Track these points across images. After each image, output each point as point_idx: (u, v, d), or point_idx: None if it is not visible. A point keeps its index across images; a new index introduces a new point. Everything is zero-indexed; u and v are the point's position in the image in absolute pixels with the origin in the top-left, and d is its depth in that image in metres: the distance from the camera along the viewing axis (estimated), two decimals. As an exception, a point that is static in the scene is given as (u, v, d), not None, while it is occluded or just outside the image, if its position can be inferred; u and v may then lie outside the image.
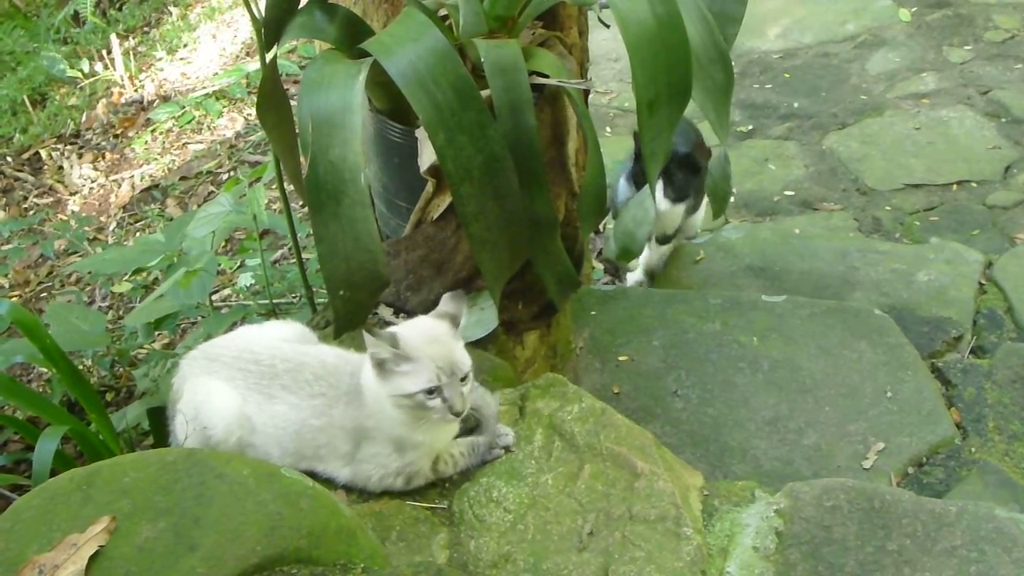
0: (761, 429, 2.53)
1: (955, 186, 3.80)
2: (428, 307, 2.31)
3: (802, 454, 2.48)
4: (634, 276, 3.27)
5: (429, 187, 2.19)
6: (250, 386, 2.01)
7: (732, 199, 3.80)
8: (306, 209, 3.69)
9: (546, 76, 2.13)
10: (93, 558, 1.58)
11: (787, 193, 3.86)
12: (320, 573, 1.68)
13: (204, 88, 5.53)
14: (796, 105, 4.33)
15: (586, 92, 2.35)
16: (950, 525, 1.98)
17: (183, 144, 5.21)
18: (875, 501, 2.03)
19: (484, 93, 1.97)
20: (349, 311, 2.06)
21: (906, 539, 1.95)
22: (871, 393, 2.62)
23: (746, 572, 1.89)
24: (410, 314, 2.34)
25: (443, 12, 2.22)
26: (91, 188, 5.08)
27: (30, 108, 5.74)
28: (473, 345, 2.31)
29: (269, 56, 2.15)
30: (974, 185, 3.80)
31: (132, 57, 5.94)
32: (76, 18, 6.27)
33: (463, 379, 1.86)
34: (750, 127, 4.25)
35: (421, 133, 2.13)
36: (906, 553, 1.93)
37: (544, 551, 1.93)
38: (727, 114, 2.14)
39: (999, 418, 2.54)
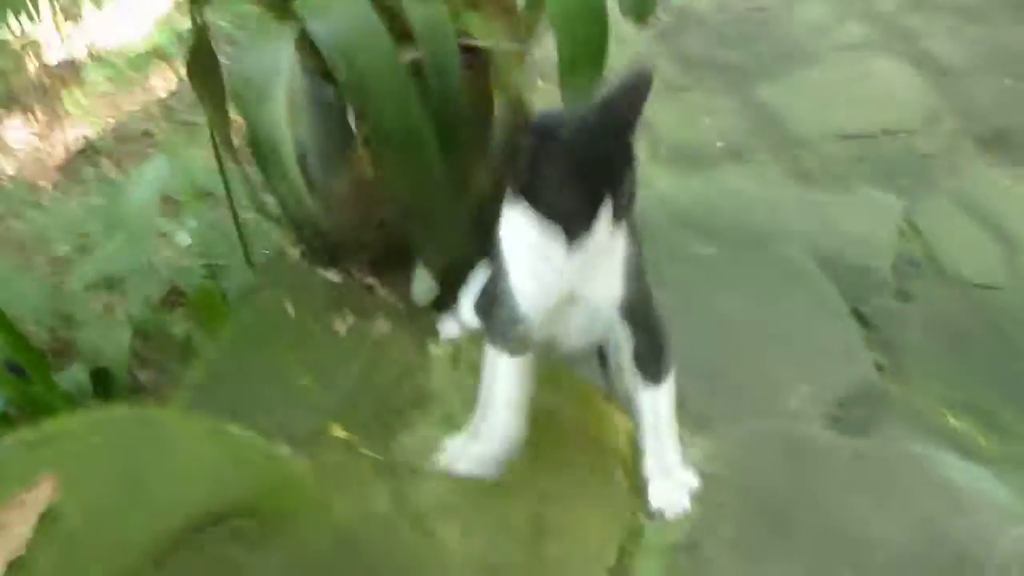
0: (690, 375, 2.61)
1: (883, 135, 3.88)
2: (365, 263, 2.40)
3: (729, 398, 2.57)
4: None
5: (361, 149, 2.23)
6: None
7: (663, 151, 3.85)
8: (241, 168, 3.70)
9: (473, 40, 2.17)
10: (42, 517, 1.63)
11: (720, 145, 3.92)
12: (267, 524, 1.72)
13: (136, 47, 5.49)
14: (730, 58, 4.38)
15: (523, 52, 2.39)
16: (869, 462, 2.10)
17: (117, 104, 5.18)
18: (798, 442, 2.13)
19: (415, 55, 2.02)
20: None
21: (828, 476, 2.06)
22: (797, 338, 2.72)
23: (676, 513, 1.99)
24: (347, 271, 2.41)
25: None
26: (25, 151, 5.06)
27: (-45, 71, 5.69)
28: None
29: (199, 17, 2.17)
30: (902, 134, 3.88)
31: (61, 15, 5.87)
32: (3, -25, 6.19)
33: None
34: (685, 80, 4.28)
35: None
36: (828, 490, 2.04)
37: (483, 496, 2.01)
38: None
39: (918, 360, 2.65)
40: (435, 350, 2.27)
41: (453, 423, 2.13)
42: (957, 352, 2.73)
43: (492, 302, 1.91)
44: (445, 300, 2.38)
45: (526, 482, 2.04)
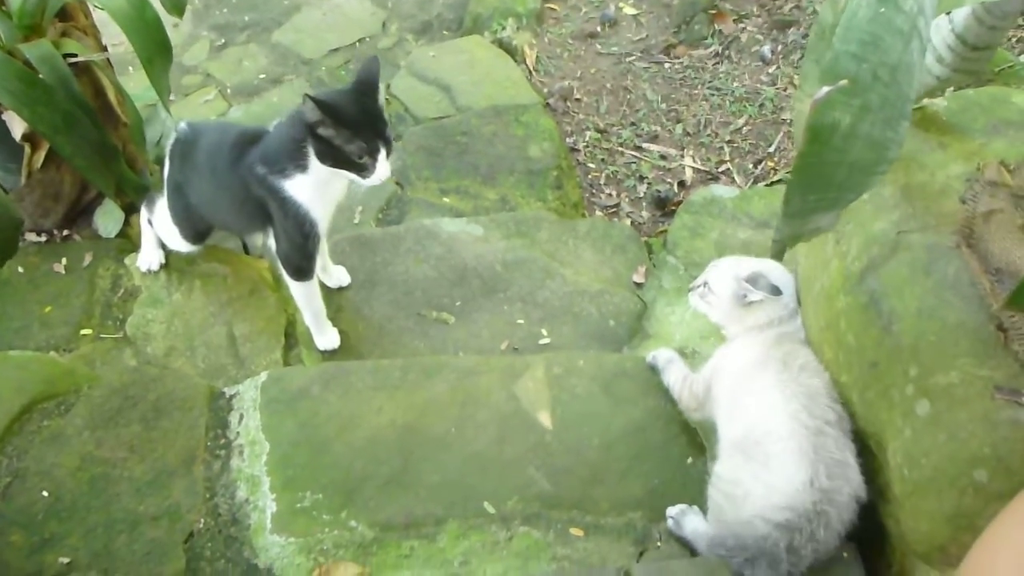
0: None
1: (358, 43, 4.00)
2: (59, 223, 2.36)
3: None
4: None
5: (28, 149, 2.19)
6: None
7: (229, 90, 3.83)
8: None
9: (75, 55, 2.17)
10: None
11: (261, 76, 3.89)
12: (62, 400, 1.80)
13: None
14: (247, 18, 4.26)
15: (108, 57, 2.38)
16: (403, 237, 2.41)
17: None
18: (361, 238, 2.40)
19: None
20: (3, 247, 1.98)
21: (385, 252, 2.36)
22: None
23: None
24: (48, 232, 2.36)
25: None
26: None
27: None
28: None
29: None
30: (369, 39, 4.03)
31: None
32: None
33: None
34: (223, 41, 4.17)
35: (8, 115, 2.11)
36: (388, 257, 2.34)
37: (191, 336, 2.16)
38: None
39: (417, 173, 2.90)
40: (129, 261, 2.31)
41: (157, 301, 2.23)
42: (435, 161, 2.95)
43: (293, 255, 1.91)
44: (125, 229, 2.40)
45: (222, 317, 2.20)
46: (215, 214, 2.05)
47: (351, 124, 1.63)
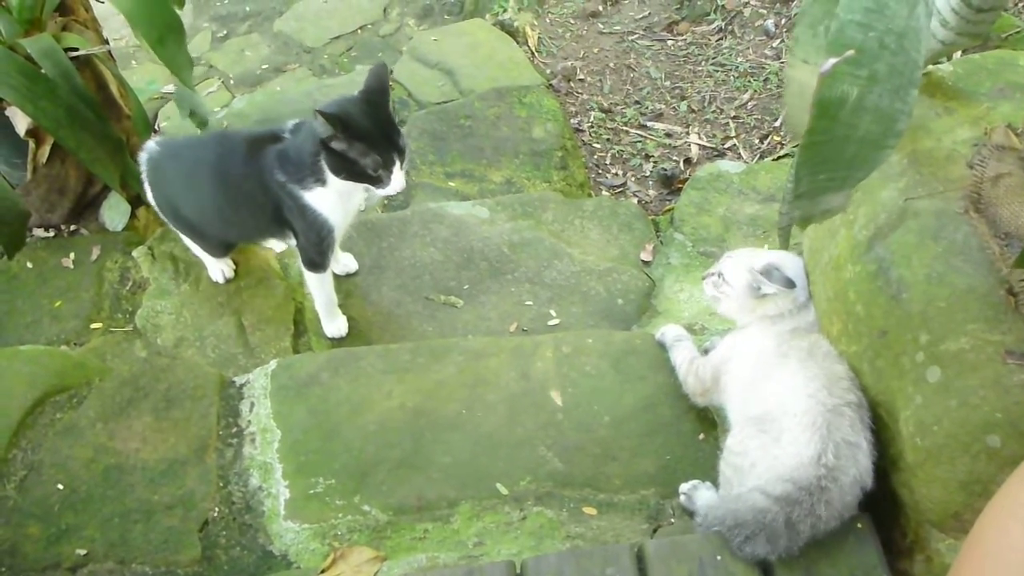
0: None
1: (360, 30, 4.00)
2: (65, 218, 2.37)
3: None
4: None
5: (32, 144, 2.20)
6: None
7: (232, 80, 3.83)
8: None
9: (76, 49, 2.17)
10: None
11: (264, 66, 3.89)
12: (74, 392, 1.80)
13: None
14: (248, 8, 4.27)
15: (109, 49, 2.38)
16: (410, 222, 2.41)
17: None
18: (368, 223, 2.38)
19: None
20: (12, 239, 2.05)
21: (391, 237, 2.36)
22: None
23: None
24: (56, 227, 2.37)
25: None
26: None
27: None
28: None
29: None
30: (370, 26, 4.03)
31: None
32: None
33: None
34: (225, 32, 4.18)
35: (11, 110, 2.12)
36: (394, 242, 2.34)
37: (200, 327, 2.16)
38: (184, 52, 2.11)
39: (421, 157, 2.87)
40: (137, 253, 2.31)
41: (165, 292, 2.23)
42: (440, 145, 2.93)
43: (310, 251, 1.90)
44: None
45: (230, 307, 2.20)
46: (228, 225, 2.03)
47: (364, 136, 1.60)
